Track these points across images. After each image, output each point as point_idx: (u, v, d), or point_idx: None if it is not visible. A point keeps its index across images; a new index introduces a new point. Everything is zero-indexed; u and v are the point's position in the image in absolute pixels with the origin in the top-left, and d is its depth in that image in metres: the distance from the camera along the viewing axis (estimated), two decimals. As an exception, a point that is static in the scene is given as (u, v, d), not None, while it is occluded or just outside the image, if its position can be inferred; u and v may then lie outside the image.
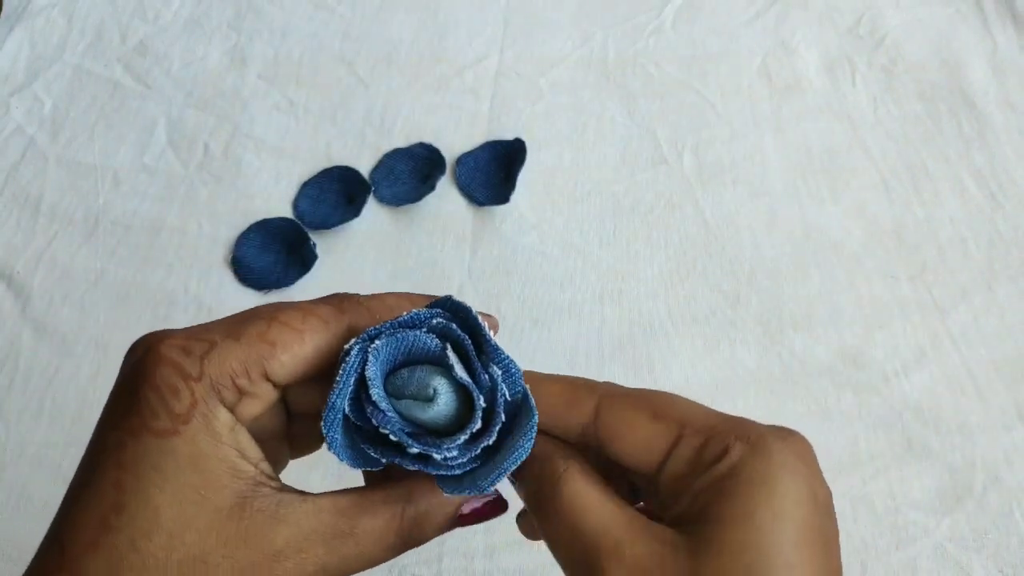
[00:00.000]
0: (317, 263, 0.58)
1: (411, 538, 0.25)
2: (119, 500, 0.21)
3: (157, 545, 0.21)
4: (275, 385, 0.24)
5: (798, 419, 0.51)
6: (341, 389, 0.23)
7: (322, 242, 0.59)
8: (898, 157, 0.64)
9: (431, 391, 0.23)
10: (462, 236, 0.60)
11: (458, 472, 0.23)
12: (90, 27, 0.74)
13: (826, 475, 0.44)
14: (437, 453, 0.22)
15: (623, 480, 0.26)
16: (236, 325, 0.24)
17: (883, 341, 0.54)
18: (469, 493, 0.23)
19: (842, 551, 0.42)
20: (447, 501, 0.25)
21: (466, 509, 0.26)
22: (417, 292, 0.27)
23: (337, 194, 0.62)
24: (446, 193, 0.62)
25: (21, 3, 0.75)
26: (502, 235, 0.60)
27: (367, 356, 0.23)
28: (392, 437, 0.23)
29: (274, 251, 0.59)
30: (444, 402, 0.23)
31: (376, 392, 0.23)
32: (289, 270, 0.58)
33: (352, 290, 0.26)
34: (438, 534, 0.26)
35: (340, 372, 0.23)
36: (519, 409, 0.24)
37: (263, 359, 0.23)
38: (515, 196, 0.61)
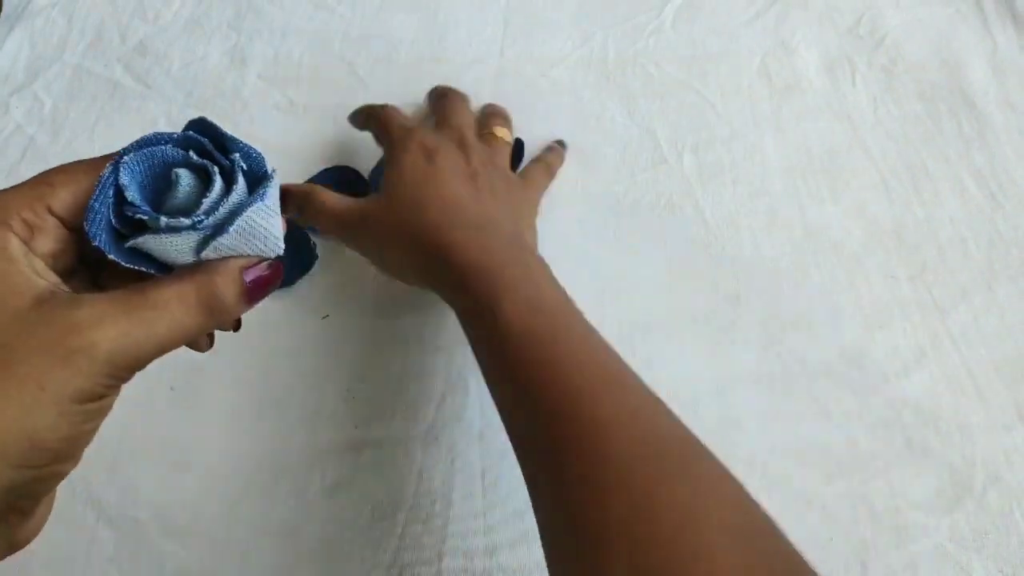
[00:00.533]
0: (317, 262, 0.58)
1: (210, 295, 0.28)
2: None
3: None
4: (60, 220, 0.28)
5: (798, 419, 0.51)
6: (99, 194, 0.27)
7: (322, 240, 0.59)
8: (898, 157, 0.64)
9: (173, 176, 0.28)
10: (462, 236, 0.60)
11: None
12: (90, 27, 0.74)
13: (826, 475, 0.44)
14: (187, 219, 0.27)
15: None
16: (24, 180, 0.28)
17: (883, 341, 0.54)
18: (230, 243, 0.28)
19: (842, 551, 0.42)
20: (226, 260, 0.28)
21: (249, 275, 0.29)
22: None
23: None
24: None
25: (21, 3, 0.75)
26: (502, 235, 0.60)
27: (119, 168, 0.27)
28: (149, 221, 0.27)
29: None
30: (185, 183, 0.28)
31: (131, 194, 0.27)
32: (291, 271, 0.58)
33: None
34: (236, 301, 0.29)
35: (97, 183, 0.27)
36: (261, 180, 0.29)
37: (44, 196, 0.27)
38: (515, 196, 0.61)
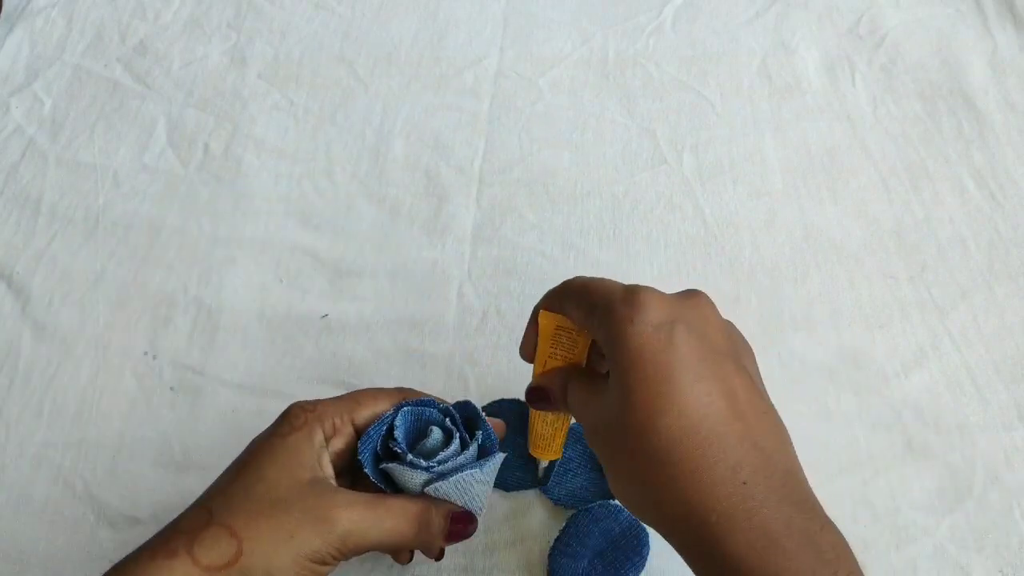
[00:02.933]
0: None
1: (425, 519, 0.36)
2: (243, 468, 0.36)
3: (259, 491, 0.34)
4: (355, 430, 0.38)
5: (798, 419, 0.51)
6: (377, 425, 0.38)
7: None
8: (898, 157, 0.64)
9: (429, 430, 0.38)
10: (462, 236, 0.60)
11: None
12: (90, 27, 0.74)
13: (826, 475, 0.44)
14: (424, 462, 0.37)
15: None
16: (341, 395, 0.40)
17: (883, 341, 0.54)
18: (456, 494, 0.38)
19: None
20: (443, 503, 0.38)
21: (454, 519, 0.37)
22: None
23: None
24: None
25: (21, 3, 0.75)
26: (502, 235, 0.60)
27: (397, 413, 0.39)
28: (401, 454, 0.37)
29: None
30: (434, 438, 0.38)
31: (398, 432, 0.38)
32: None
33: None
34: (440, 532, 0.37)
35: (380, 417, 0.39)
36: (488, 455, 0.39)
37: (352, 410, 0.38)
38: (515, 200, 0.62)
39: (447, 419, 0.39)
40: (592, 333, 0.35)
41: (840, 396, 0.52)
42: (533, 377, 0.40)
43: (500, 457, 0.38)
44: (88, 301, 0.57)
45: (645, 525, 0.45)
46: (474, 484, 0.37)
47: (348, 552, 0.34)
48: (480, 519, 0.38)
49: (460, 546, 0.46)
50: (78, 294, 0.57)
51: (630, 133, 0.65)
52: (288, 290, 0.57)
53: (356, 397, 0.39)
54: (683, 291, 0.34)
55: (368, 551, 0.35)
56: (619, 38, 0.72)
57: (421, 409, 0.39)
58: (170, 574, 0.31)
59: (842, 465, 0.49)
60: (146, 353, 0.54)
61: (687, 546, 0.29)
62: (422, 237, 0.60)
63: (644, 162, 0.64)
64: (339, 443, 0.38)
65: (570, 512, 0.46)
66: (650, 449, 0.29)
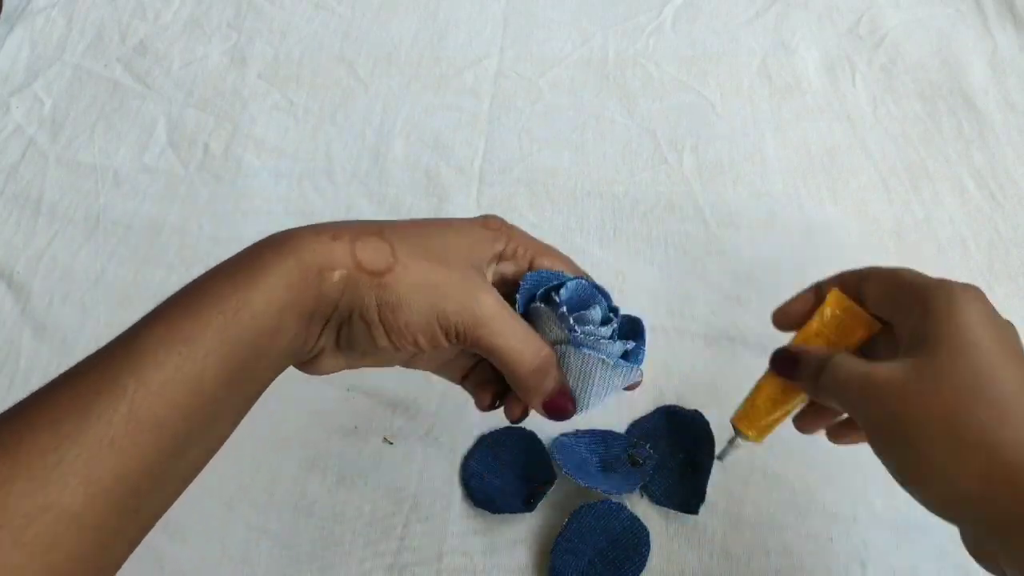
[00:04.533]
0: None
1: (543, 367, 0.34)
2: (427, 221, 0.37)
3: (433, 243, 0.34)
4: (529, 267, 0.38)
5: (798, 419, 0.51)
6: (550, 273, 0.37)
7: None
8: (898, 157, 0.64)
9: (591, 305, 0.37)
10: (462, 236, 0.60)
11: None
12: (90, 27, 0.74)
13: (826, 475, 0.44)
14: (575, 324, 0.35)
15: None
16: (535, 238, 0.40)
17: (883, 341, 0.54)
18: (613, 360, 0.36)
19: (842, 552, 0.42)
20: (560, 370, 0.36)
21: (561, 391, 0.36)
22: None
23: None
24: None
25: (21, 3, 0.75)
26: (502, 235, 0.60)
27: (571, 279, 0.37)
28: (556, 300, 0.36)
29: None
30: (595, 312, 0.36)
31: (564, 291, 0.36)
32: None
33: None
34: (547, 390, 0.35)
35: (550, 274, 0.37)
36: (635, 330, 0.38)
37: (537, 252, 0.38)
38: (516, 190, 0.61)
39: (612, 313, 0.37)
40: (901, 315, 0.36)
41: (840, 396, 0.52)
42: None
43: (636, 372, 0.37)
44: (88, 301, 0.57)
45: (648, 527, 0.46)
46: (596, 375, 0.35)
47: (471, 340, 0.33)
48: (579, 414, 0.36)
49: (460, 546, 0.46)
50: (78, 294, 0.57)
51: (630, 133, 0.65)
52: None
53: (548, 248, 0.39)
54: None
55: (482, 352, 0.34)
56: (619, 38, 0.72)
57: (594, 290, 0.38)
58: (328, 253, 0.31)
59: (842, 465, 0.49)
60: (146, 353, 0.54)
61: (1008, 507, 0.30)
62: (422, 237, 0.60)
63: (644, 162, 0.64)
64: (508, 269, 0.37)
65: (572, 510, 0.46)
66: (990, 400, 0.30)
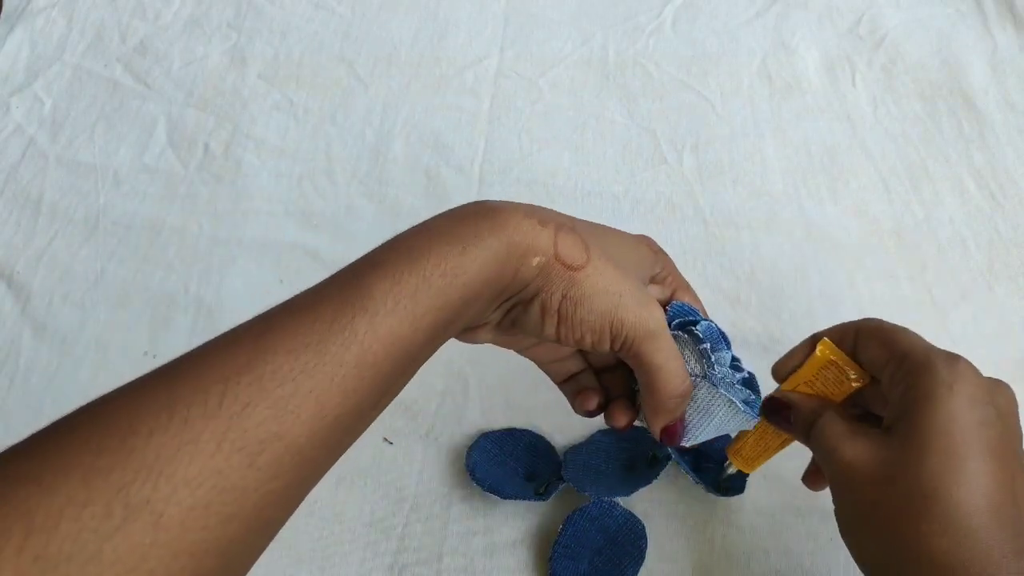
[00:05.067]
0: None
1: (682, 391, 0.36)
2: (606, 228, 0.38)
3: (613, 249, 0.36)
4: (668, 298, 0.40)
5: (798, 419, 0.51)
6: (692, 308, 0.40)
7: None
8: (898, 157, 0.64)
9: (721, 348, 0.39)
10: (462, 236, 0.60)
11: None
12: (90, 27, 0.74)
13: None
14: (719, 370, 0.38)
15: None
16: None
17: (883, 341, 0.54)
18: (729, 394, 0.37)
19: (842, 552, 0.42)
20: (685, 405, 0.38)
21: (678, 421, 0.38)
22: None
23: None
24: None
25: (21, 3, 0.75)
26: (502, 235, 0.60)
27: (698, 324, 0.39)
28: (698, 335, 0.38)
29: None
30: (725, 355, 0.39)
31: (701, 327, 0.38)
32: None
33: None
34: (671, 414, 0.37)
35: (695, 315, 0.40)
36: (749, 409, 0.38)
37: (678, 287, 0.41)
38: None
39: (737, 362, 0.40)
40: (887, 381, 0.34)
41: (840, 396, 0.52)
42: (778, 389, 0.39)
43: (750, 422, 0.39)
44: (88, 301, 0.57)
45: (647, 527, 0.46)
46: (720, 411, 0.37)
47: (635, 350, 0.34)
48: (684, 443, 0.38)
49: (460, 546, 0.46)
50: (78, 294, 0.57)
51: (630, 133, 0.65)
52: (288, 290, 0.57)
53: (688, 285, 0.41)
54: (992, 377, 0.34)
55: (639, 366, 0.35)
56: (619, 38, 0.72)
57: (723, 337, 0.40)
58: (535, 237, 0.32)
59: (842, 465, 0.49)
60: (146, 353, 0.54)
61: None
62: (422, 237, 0.60)
63: (644, 162, 0.64)
64: (655, 293, 0.39)
65: (567, 513, 0.46)
66: (934, 514, 0.30)
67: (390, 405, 0.48)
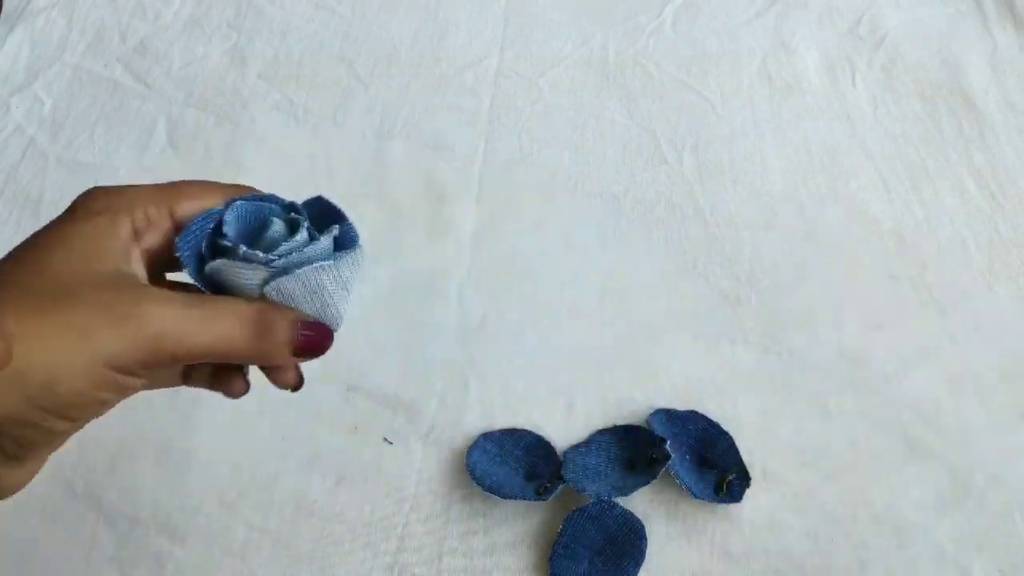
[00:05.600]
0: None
1: (264, 329, 0.29)
2: (21, 255, 0.28)
3: (40, 282, 0.26)
4: (174, 223, 0.30)
5: (798, 419, 0.51)
6: (201, 219, 0.30)
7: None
8: (898, 157, 0.64)
9: (269, 221, 0.31)
10: (462, 236, 0.60)
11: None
12: (90, 27, 0.74)
13: (826, 475, 0.44)
14: (262, 254, 0.29)
15: None
16: (158, 183, 0.31)
17: (883, 341, 0.54)
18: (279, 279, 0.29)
19: (842, 552, 0.43)
20: (288, 309, 0.30)
21: (302, 329, 0.30)
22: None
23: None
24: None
25: (21, 3, 0.75)
26: (502, 235, 0.60)
27: (228, 206, 0.30)
28: (231, 248, 0.29)
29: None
30: (275, 229, 0.30)
31: (228, 227, 0.30)
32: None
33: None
34: (284, 344, 0.30)
35: (205, 211, 0.30)
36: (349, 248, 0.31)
37: (170, 199, 0.30)
38: (518, 191, 0.62)
39: (292, 213, 0.31)
40: None
41: (840, 396, 0.52)
42: None
43: (361, 254, 0.31)
44: (88, 301, 0.57)
45: (647, 527, 0.46)
46: (327, 283, 0.30)
47: (162, 360, 0.27)
48: (339, 331, 0.32)
49: (460, 546, 0.46)
50: (78, 294, 0.57)
51: (630, 133, 0.65)
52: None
53: (177, 186, 0.31)
54: None
55: (190, 361, 0.28)
56: (619, 38, 0.72)
57: (259, 204, 0.31)
58: None
59: (842, 465, 0.49)
60: (146, 353, 0.54)
61: None
62: (422, 237, 0.60)
63: (644, 162, 0.64)
64: (154, 239, 0.30)
65: (567, 513, 0.46)
66: None
67: (390, 405, 0.48)
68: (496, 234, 0.60)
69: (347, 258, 0.30)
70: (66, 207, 0.30)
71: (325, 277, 0.30)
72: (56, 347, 0.25)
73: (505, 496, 0.46)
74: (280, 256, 0.29)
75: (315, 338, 0.30)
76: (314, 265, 0.29)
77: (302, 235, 0.30)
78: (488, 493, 0.46)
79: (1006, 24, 0.72)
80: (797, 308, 0.56)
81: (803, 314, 0.55)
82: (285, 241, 0.29)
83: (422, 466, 0.49)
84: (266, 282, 0.29)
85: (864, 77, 0.69)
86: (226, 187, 0.32)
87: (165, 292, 0.28)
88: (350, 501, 0.48)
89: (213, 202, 0.31)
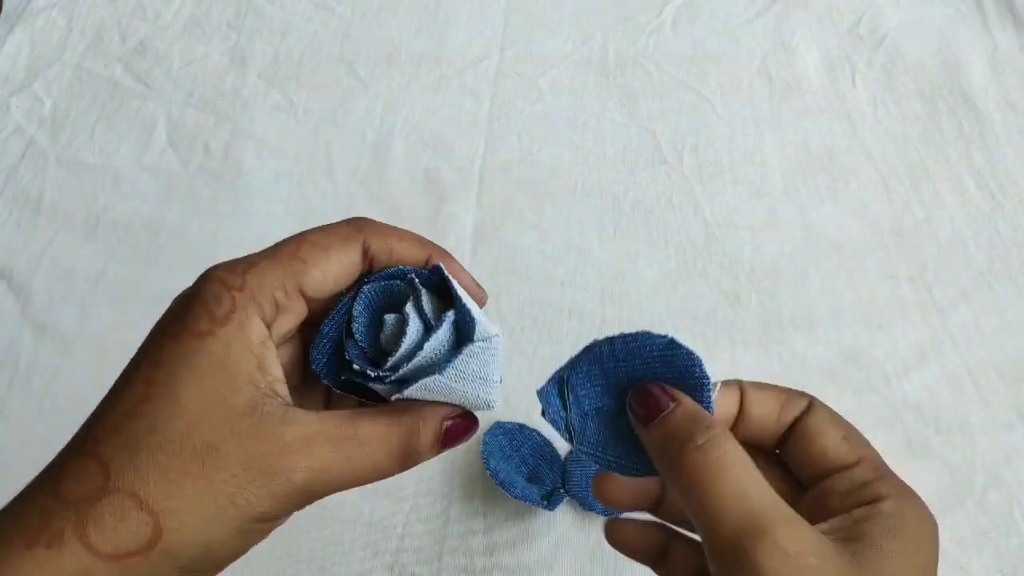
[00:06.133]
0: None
1: (410, 444, 0.27)
2: (147, 392, 0.24)
3: (175, 431, 0.23)
4: (307, 300, 0.27)
5: (798, 419, 0.51)
6: (331, 319, 0.28)
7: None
8: (898, 157, 0.64)
9: (384, 320, 0.28)
10: (462, 236, 0.60)
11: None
12: (90, 27, 0.74)
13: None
14: (373, 371, 0.27)
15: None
16: (272, 248, 0.27)
17: (883, 341, 0.54)
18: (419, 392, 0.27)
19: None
20: (435, 408, 0.28)
21: (448, 422, 0.28)
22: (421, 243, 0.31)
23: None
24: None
25: (21, 3, 0.75)
26: (502, 235, 0.60)
27: (356, 297, 0.28)
28: (358, 367, 0.27)
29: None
30: (388, 327, 0.28)
31: (358, 321, 0.28)
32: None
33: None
34: (430, 448, 0.28)
35: (335, 306, 0.28)
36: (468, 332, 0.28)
37: (297, 274, 0.27)
38: (517, 198, 0.62)
39: (421, 291, 0.29)
40: (841, 483, 0.27)
41: (840, 396, 0.52)
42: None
43: (486, 345, 0.28)
44: (88, 301, 0.57)
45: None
46: (453, 384, 0.27)
47: (310, 501, 0.26)
48: (493, 408, 0.29)
49: (461, 546, 0.46)
50: (78, 294, 0.57)
51: (630, 133, 0.65)
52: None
53: (298, 251, 0.27)
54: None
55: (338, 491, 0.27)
56: (619, 38, 0.72)
57: (386, 285, 0.29)
58: (58, 570, 0.21)
59: (842, 465, 0.49)
60: (146, 353, 0.54)
61: None
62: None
63: (644, 162, 0.64)
64: (287, 323, 0.27)
65: (568, 519, 0.46)
66: None
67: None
68: (496, 234, 0.60)
69: (468, 352, 0.28)
70: (178, 303, 0.27)
71: (446, 380, 0.27)
72: (206, 517, 0.23)
73: (515, 495, 0.46)
74: (395, 369, 0.27)
75: (459, 427, 0.28)
76: (432, 377, 0.27)
77: (411, 334, 0.28)
78: (498, 485, 0.46)
79: (1006, 24, 0.72)
80: (797, 308, 0.56)
81: (803, 314, 0.55)
82: (398, 340, 0.27)
83: (422, 466, 0.49)
84: (393, 393, 0.27)
85: (864, 77, 0.69)
86: (346, 233, 0.29)
87: (309, 427, 0.25)
88: (350, 501, 0.48)
89: (340, 264, 0.28)
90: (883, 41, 0.71)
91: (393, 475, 0.27)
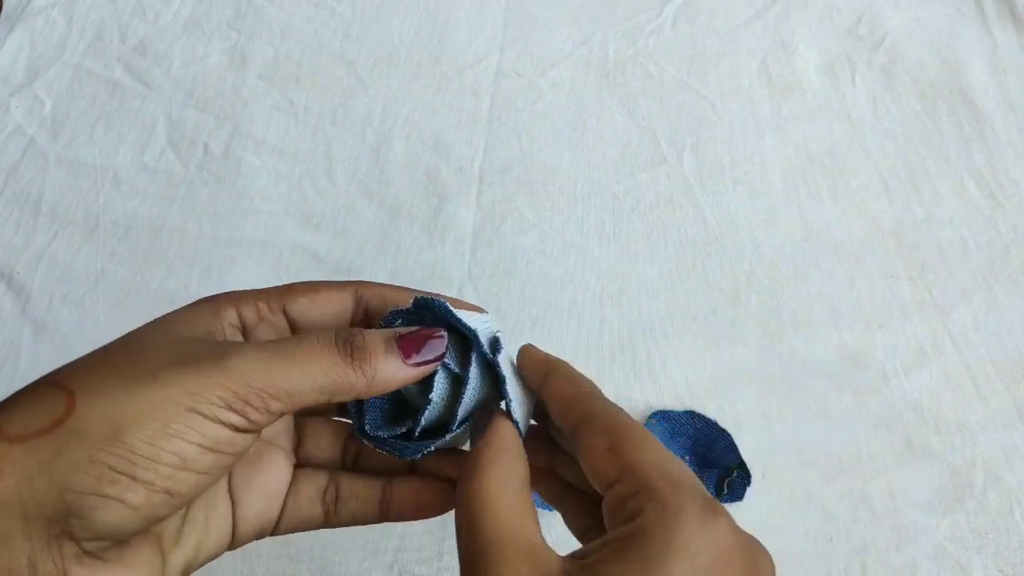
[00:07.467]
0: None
1: (353, 343, 0.26)
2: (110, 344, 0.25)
3: (118, 345, 0.25)
4: (291, 323, 0.29)
5: (798, 419, 0.51)
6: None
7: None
8: (898, 157, 0.64)
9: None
10: (462, 236, 0.60)
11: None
12: (90, 27, 0.74)
13: (826, 475, 0.43)
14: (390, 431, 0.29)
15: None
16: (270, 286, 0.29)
17: (883, 341, 0.54)
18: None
19: (842, 552, 0.43)
20: (383, 331, 0.27)
21: (412, 358, 0.27)
22: (413, 289, 0.31)
23: None
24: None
25: (21, 3, 0.75)
26: (502, 235, 0.60)
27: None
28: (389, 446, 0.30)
29: None
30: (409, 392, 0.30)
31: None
32: None
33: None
34: (384, 352, 0.26)
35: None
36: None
37: (282, 295, 0.28)
38: (516, 196, 0.62)
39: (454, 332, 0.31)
40: (610, 497, 0.25)
41: (840, 396, 0.52)
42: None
43: (522, 408, 0.29)
44: (88, 301, 0.57)
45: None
46: (518, 409, 0.29)
47: (251, 398, 0.23)
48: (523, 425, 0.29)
49: (460, 546, 0.46)
50: (78, 294, 0.57)
51: (630, 133, 0.65)
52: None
53: (289, 286, 0.29)
54: (753, 543, 0.24)
55: (290, 404, 0.24)
56: (619, 38, 0.72)
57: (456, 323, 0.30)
58: None
59: (842, 465, 0.49)
60: (146, 353, 0.54)
61: None
62: (422, 237, 0.60)
63: (644, 162, 0.64)
64: (265, 332, 0.28)
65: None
66: None
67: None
68: (496, 234, 0.60)
69: (510, 383, 0.29)
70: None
71: (467, 436, 0.29)
72: (123, 396, 0.22)
73: None
74: (415, 431, 0.29)
75: (415, 336, 0.27)
76: (445, 439, 0.28)
77: (435, 402, 0.28)
78: None
79: (1006, 24, 0.72)
80: (797, 308, 0.56)
81: (803, 314, 0.55)
82: (418, 404, 0.29)
83: (422, 466, 0.49)
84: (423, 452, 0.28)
85: (864, 77, 0.69)
86: (340, 286, 0.29)
87: (258, 343, 0.25)
88: (350, 501, 0.48)
89: (327, 302, 0.29)
90: (883, 41, 0.71)
91: (353, 385, 0.25)
